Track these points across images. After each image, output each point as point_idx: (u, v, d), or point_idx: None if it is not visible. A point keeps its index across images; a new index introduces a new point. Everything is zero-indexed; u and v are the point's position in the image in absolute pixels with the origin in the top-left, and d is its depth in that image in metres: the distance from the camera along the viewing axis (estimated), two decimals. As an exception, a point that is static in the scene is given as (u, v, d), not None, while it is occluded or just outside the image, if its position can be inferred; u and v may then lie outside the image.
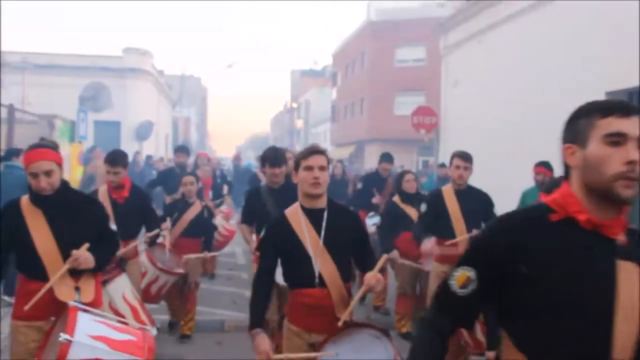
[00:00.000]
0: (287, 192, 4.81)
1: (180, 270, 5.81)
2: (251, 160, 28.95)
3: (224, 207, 9.98)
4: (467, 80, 12.38)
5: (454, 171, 5.26)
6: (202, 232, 6.34)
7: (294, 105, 60.22)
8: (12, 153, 7.76)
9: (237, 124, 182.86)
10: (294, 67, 79.76)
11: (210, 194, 9.33)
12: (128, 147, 23.38)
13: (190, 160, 10.43)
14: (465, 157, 5.22)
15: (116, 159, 5.08)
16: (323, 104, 46.61)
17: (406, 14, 30.55)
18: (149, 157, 18.72)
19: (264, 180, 9.46)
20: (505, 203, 5.31)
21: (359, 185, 8.71)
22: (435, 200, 5.41)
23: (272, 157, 5.09)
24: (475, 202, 5.25)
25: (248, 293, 8.23)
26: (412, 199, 6.47)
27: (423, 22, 25.19)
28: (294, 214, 3.24)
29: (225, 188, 11.06)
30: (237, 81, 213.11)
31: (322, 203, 3.23)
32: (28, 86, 18.86)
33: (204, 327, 6.84)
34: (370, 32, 32.12)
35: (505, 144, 9.99)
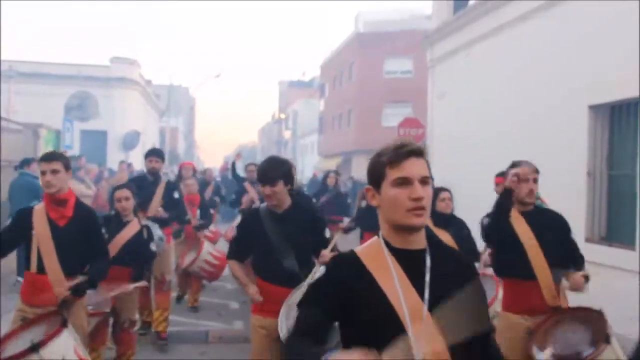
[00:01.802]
0: (294, 219, 3.91)
1: (104, 309, 4.54)
2: (239, 171, 28.86)
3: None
4: (453, 92, 12.47)
5: (521, 186, 3.96)
6: (138, 259, 5.11)
7: (282, 116, 60.27)
8: (25, 162, 8.93)
9: (225, 134, 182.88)
10: (282, 78, 79.93)
11: (197, 213, 8.21)
12: (115, 156, 23.40)
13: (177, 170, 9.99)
14: (533, 167, 4.00)
15: (54, 154, 4.06)
16: (311, 115, 46.72)
17: (394, 26, 30.78)
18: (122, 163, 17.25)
19: (252, 193, 8.55)
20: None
21: (363, 203, 7.31)
22: (499, 224, 4.04)
23: (261, 170, 3.91)
24: (551, 227, 3.97)
25: (233, 304, 8.25)
26: (447, 221, 5.26)
27: (411, 34, 25.37)
28: (375, 256, 1.91)
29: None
30: (225, 91, 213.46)
31: (422, 241, 1.93)
32: (13, 94, 18.72)
33: (187, 338, 6.80)
34: (358, 44, 32.33)
35: (491, 156, 10.04)
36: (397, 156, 1.89)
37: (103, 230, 4.60)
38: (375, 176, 1.95)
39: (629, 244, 6.99)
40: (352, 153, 32.72)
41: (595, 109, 7.74)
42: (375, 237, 1.99)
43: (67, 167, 3.98)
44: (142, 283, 5.09)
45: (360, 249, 1.99)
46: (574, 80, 8.01)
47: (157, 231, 6.27)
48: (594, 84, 7.59)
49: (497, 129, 10.04)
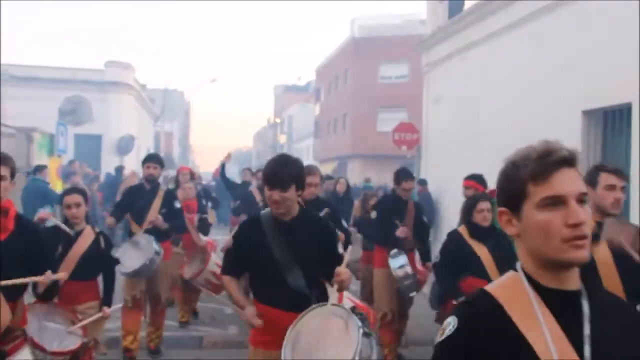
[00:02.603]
0: (303, 230, 3.31)
1: (80, 342, 3.94)
2: (234, 175, 28.85)
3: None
4: (448, 97, 12.49)
5: (606, 194, 3.19)
6: (99, 270, 4.51)
7: (277, 120, 60.30)
8: (38, 169, 9.98)
9: (221, 138, 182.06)
10: (277, 82, 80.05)
11: (196, 219, 7.90)
12: (109, 161, 23.35)
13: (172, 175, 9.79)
14: (621, 174, 3.28)
15: (5, 156, 3.40)
16: (306, 120, 46.76)
17: (389, 30, 30.90)
18: (120, 169, 16.43)
19: (259, 198, 8.13)
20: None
21: (373, 214, 6.56)
22: None
23: (271, 172, 3.23)
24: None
25: (228, 309, 8.23)
26: (485, 234, 4.72)
27: (406, 39, 25.44)
28: (517, 298, 1.45)
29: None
30: (220, 95, 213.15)
31: (576, 279, 1.47)
32: (6, 98, 18.64)
33: (182, 343, 6.77)
34: (353, 49, 32.39)
35: (486, 161, 10.07)
36: (544, 167, 1.42)
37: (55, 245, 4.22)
38: (512, 196, 1.46)
39: (623, 248, 7.00)
40: (348, 158, 32.77)
41: (588, 114, 7.77)
42: (513, 272, 1.52)
43: (13, 170, 3.38)
44: (118, 306, 4.58)
45: (496, 288, 1.50)
46: (567, 85, 8.03)
47: (153, 245, 5.74)
48: (587, 90, 7.62)
49: (492, 134, 10.06)
